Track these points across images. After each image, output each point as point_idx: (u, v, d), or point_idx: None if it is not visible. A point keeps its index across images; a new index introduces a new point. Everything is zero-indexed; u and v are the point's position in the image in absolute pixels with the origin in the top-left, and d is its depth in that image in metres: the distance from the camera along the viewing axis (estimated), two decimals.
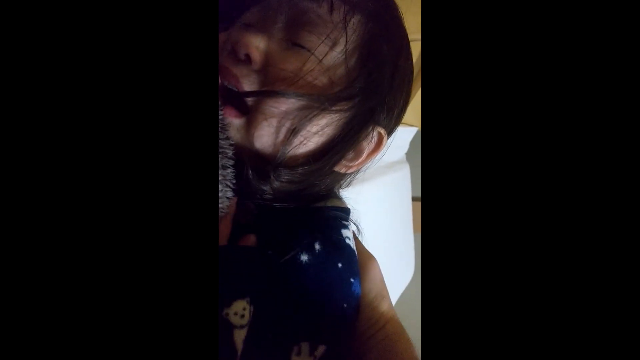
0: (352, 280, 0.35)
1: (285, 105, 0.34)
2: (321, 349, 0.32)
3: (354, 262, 0.37)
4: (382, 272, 0.40)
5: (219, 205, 0.33)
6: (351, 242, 0.38)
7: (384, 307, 0.37)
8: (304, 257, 0.34)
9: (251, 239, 0.35)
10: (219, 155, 0.33)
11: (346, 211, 0.42)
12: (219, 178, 0.33)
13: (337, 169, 0.40)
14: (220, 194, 0.33)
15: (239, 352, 0.29)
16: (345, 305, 0.34)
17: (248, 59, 0.35)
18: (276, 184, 0.36)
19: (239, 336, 0.29)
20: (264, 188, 0.37)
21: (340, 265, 0.35)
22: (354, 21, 0.35)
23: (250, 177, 0.36)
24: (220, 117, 0.33)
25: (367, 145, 0.39)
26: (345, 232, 0.38)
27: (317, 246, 0.34)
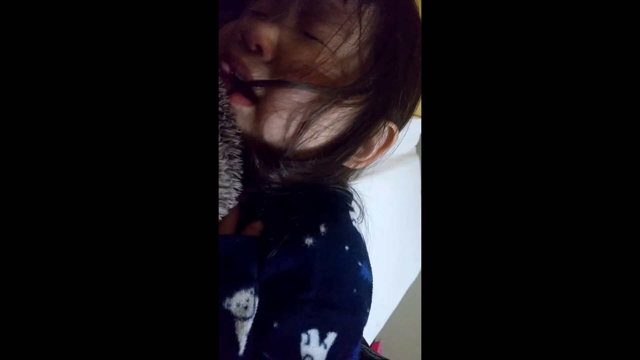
0: (359, 264, 0.34)
1: (297, 97, 0.34)
2: (331, 336, 0.31)
3: (362, 245, 0.36)
4: (391, 265, 0.39)
5: (227, 196, 0.33)
6: (357, 225, 0.38)
7: None
8: (309, 241, 0.33)
9: (257, 227, 0.35)
10: (226, 145, 0.32)
11: (349, 194, 0.42)
12: (226, 168, 0.32)
13: (346, 164, 0.39)
14: (227, 184, 0.33)
15: (242, 345, 0.29)
16: (355, 291, 0.33)
17: (259, 50, 0.34)
18: (285, 173, 0.36)
19: (242, 329, 0.29)
20: (272, 177, 0.36)
21: (347, 248, 0.34)
22: (369, 12, 0.34)
23: (258, 166, 0.35)
24: (226, 105, 0.33)
25: (378, 140, 0.39)
26: (351, 214, 0.38)
27: (322, 229, 0.33)
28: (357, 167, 0.40)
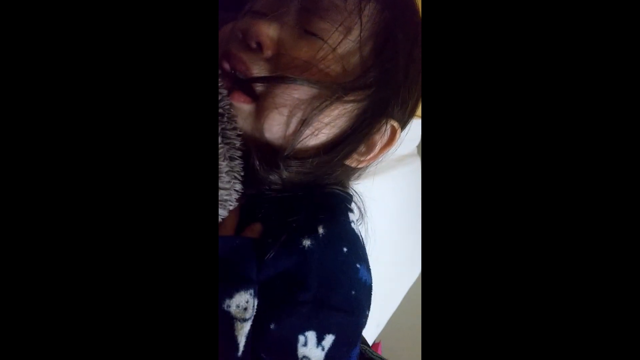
0: (358, 266, 0.34)
1: (297, 93, 0.33)
2: (329, 338, 0.31)
3: (360, 247, 0.36)
4: (392, 266, 0.39)
5: (227, 198, 0.33)
6: (356, 227, 0.37)
7: None
8: (307, 242, 0.32)
9: (256, 228, 0.35)
10: (227, 147, 0.32)
11: (349, 195, 0.41)
12: (227, 169, 0.32)
13: (348, 162, 0.39)
14: (228, 186, 0.32)
15: (241, 346, 0.29)
16: (353, 292, 0.33)
17: (259, 47, 0.34)
18: (285, 174, 0.36)
19: (241, 330, 0.29)
20: (272, 178, 0.36)
21: (345, 249, 0.34)
22: (369, 8, 0.34)
23: (258, 167, 0.35)
24: (227, 107, 0.33)
25: (380, 139, 0.38)
26: (350, 216, 0.37)
27: (320, 230, 0.33)
28: (360, 165, 0.40)
